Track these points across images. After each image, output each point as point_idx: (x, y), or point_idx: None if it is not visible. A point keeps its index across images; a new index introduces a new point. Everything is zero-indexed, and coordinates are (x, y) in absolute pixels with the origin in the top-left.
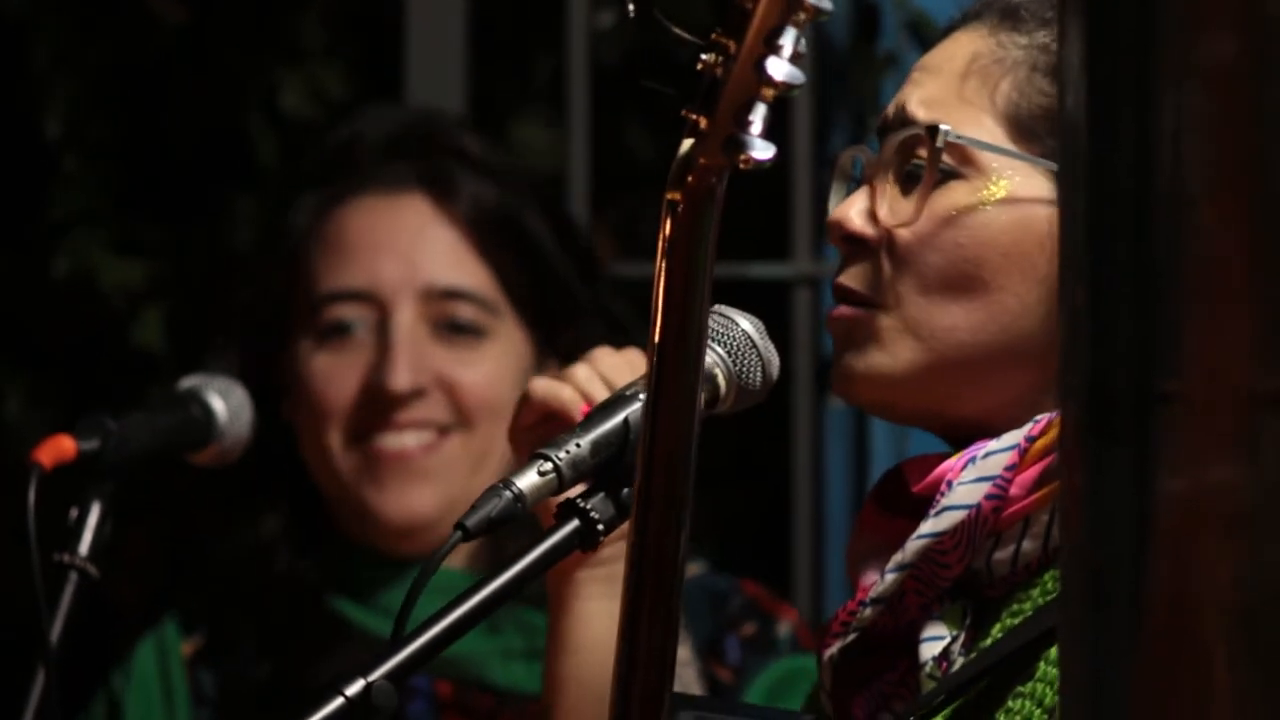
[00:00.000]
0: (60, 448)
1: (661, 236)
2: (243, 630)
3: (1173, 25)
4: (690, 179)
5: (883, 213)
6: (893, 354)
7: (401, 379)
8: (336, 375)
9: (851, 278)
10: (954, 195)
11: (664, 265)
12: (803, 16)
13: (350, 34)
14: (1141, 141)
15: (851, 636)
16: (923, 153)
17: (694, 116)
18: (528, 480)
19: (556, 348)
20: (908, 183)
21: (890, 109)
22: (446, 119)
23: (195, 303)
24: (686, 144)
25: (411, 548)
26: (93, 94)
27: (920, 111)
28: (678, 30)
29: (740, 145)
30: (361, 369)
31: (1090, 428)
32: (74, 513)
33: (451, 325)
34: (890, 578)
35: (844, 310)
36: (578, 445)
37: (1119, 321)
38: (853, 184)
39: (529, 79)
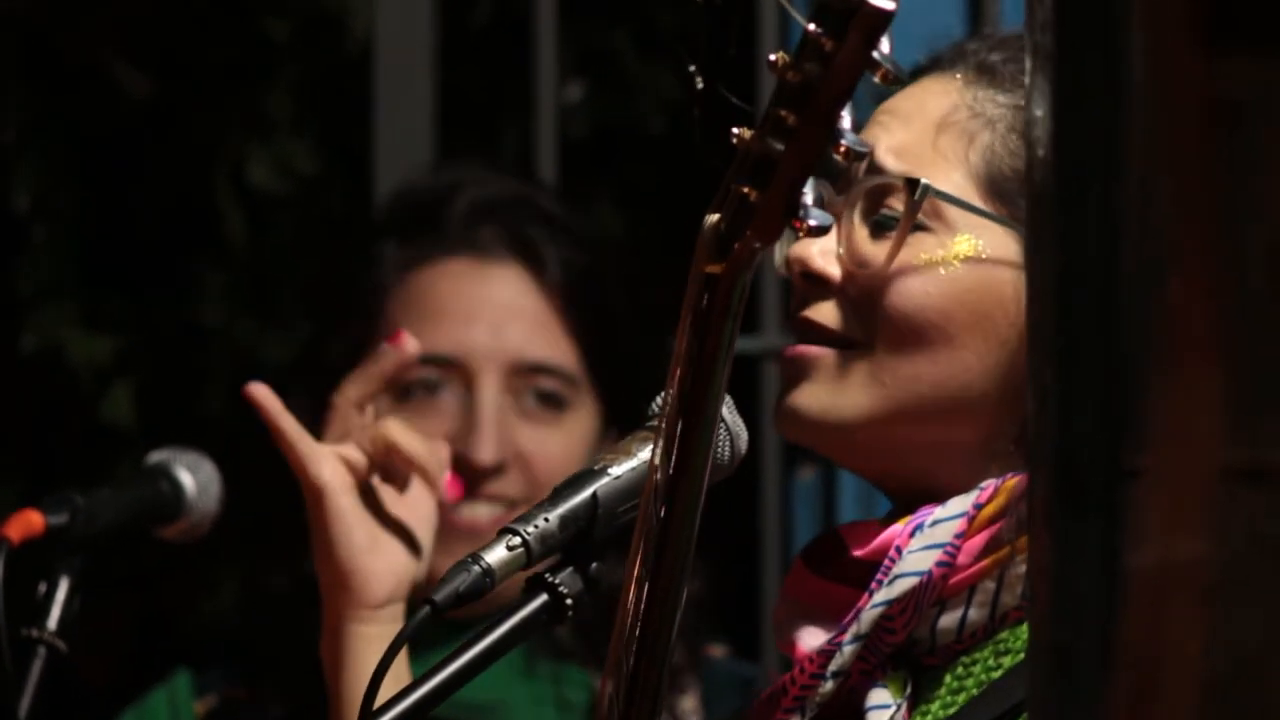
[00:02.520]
0: (28, 523)
1: (691, 307)
2: (268, 693)
3: (1139, 100)
4: (736, 248)
5: (849, 256)
6: (851, 397)
7: (487, 453)
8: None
9: (819, 313)
10: (922, 247)
11: (692, 335)
12: (876, 80)
13: (318, 107)
14: (1108, 215)
15: (811, 714)
16: (894, 203)
17: (741, 189)
18: (496, 555)
19: (620, 419)
20: (876, 229)
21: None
22: (538, 187)
23: (164, 377)
24: (714, 217)
25: (469, 612)
26: (60, 167)
27: (890, 159)
28: (740, 104)
29: (800, 212)
30: (442, 433)
31: (1059, 502)
32: (42, 588)
33: (534, 398)
34: (849, 650)
35: (807, 348)
36: (546, 520)
37: (1087, 396)
38: None
39: (497, 151)
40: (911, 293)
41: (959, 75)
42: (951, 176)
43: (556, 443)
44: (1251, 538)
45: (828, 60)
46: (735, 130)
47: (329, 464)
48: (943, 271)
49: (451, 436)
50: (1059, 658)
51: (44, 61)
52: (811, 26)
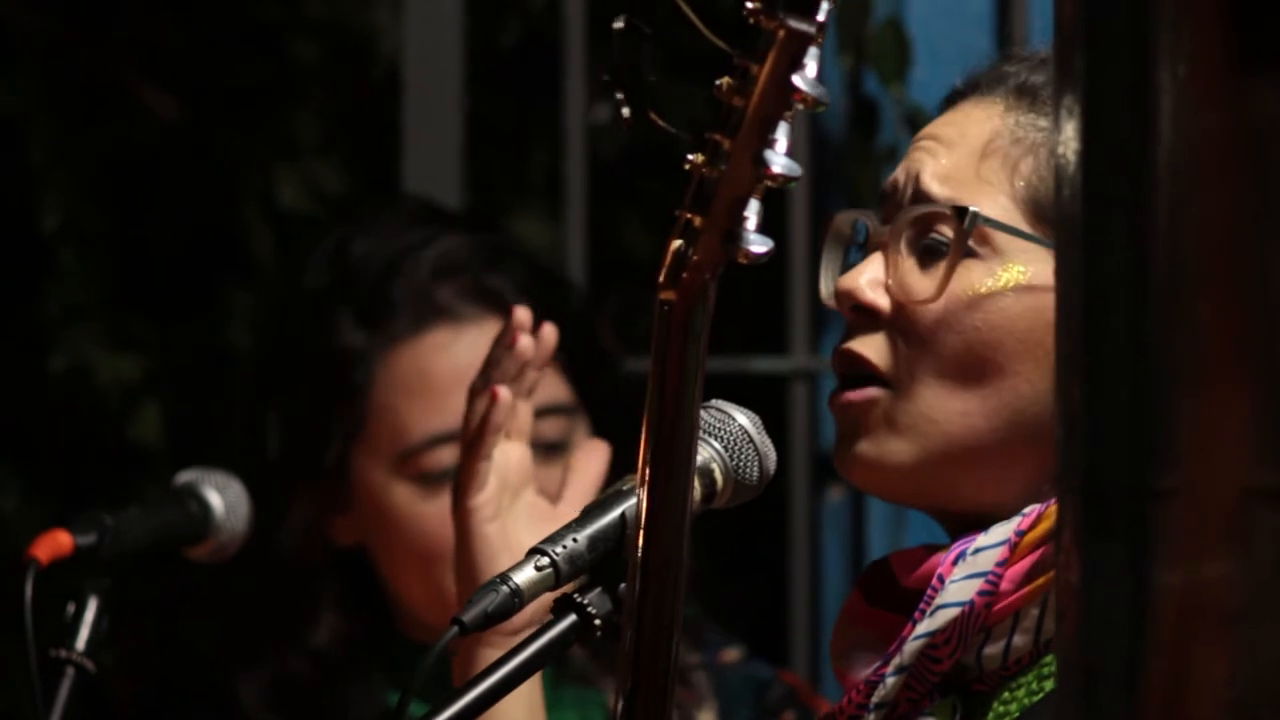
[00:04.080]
0: (57, 543)
1: (654, 336)
2: None
3: (1168, 123)
4: (684, 276)
5: (898, 287)
6: (907, 441)
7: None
8: (449, 523)
9: (865, 346)
10: (972, 276)
11: (656, 364)
12: (800, 108)
13: (347, 129)
14: (1136, 238)
15: None
16: (943, 230)
17: (686, 215)
18: (525, 575)
19: (620, 439)
20: (924, 257)
21: (899, 177)
22: (464, 229)
23: (191, 398)
24: (675, 244)
25: None
26: (88, 189)
27: (935, 186)
28: (670, 129)
29: (738, 239)
30: None
31: (1086, 523)
32: (70, 608)
33: (542, 445)
34: (891, 681)
35: (855, 395)
36: (574, 540)
37: (1114, 418)
38: (853, 249)
39: (526, 173)
40: (962, 325)
41: (999, 100)
42: (998, 201)
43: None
44: (1278, 559)
45: (753, 85)
46: (689, 156)
47: (486, 489)
48: (993, 301)
49: None
50: (1086, 678)
51: (72, 84)
52: (737, 51)
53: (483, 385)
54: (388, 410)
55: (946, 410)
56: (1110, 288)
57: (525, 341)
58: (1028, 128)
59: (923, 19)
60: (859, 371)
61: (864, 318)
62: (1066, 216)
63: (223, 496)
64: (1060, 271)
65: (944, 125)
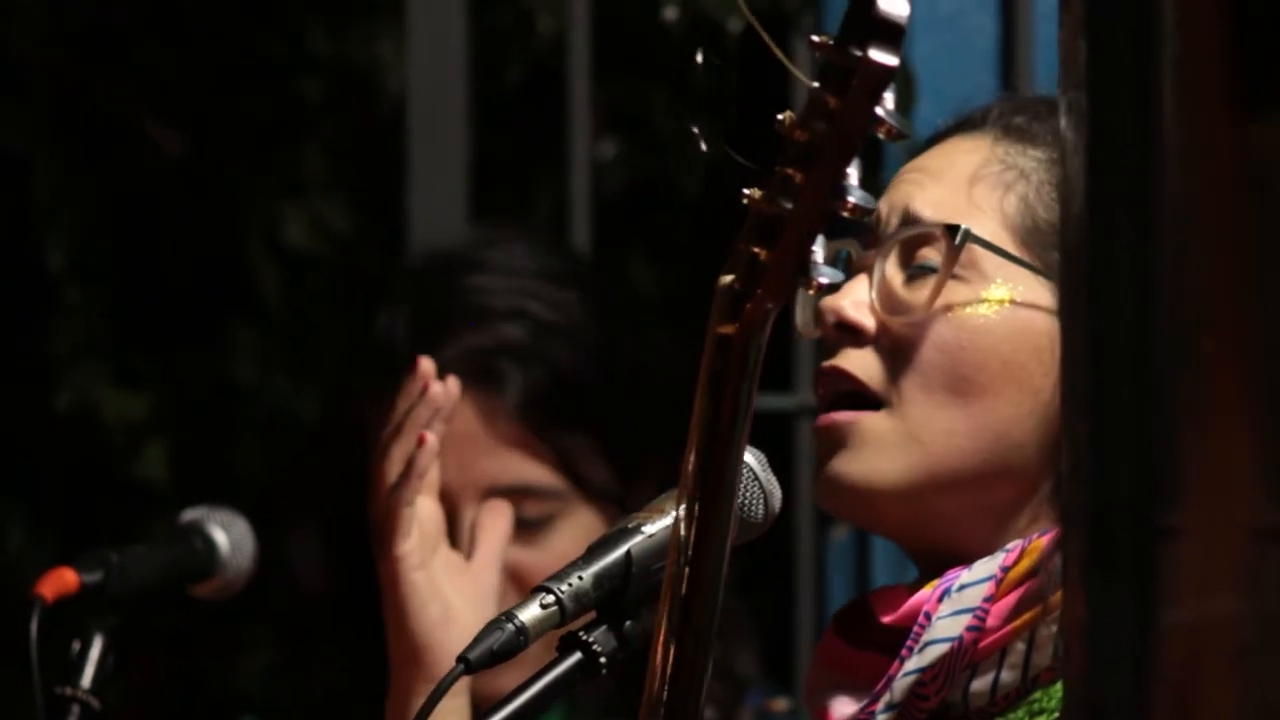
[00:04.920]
0: (62, 580)
1: (706, 369)
2: None
3: (1173, 163)
4: (748, 309)
5: (884, 305)
6: (891, 460)
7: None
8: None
9: (850, 363)
10: (958, 296)
11: (709, 399)
12: (881, 137)
13: (352, 165)
14: (1142, 274)
15: None
16: (930, 252)
17: (751, 249)
18: (530, 613)
19: (634, 504)
20: (910, 279)
21: (883, 208)
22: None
23: (197, 435)
24: (727, 279)
25: None
26: (94, 226)
27: (926, 211)
28: (747, 162)
29: (809, 271)
30: None
31: (1092, 560)
32: (76, 645)
33: (519, 522)
34: (883, 718)
35: (841, 415)
36: (580, 578)
37: (1120, 455)
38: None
39: (531, 209)
40: (946, 343)
41: (987, 134)
42: (987, 225)
43: (549, 556)
44: None
45: (832, 117)
46: (745, 190)
47: (411, 537)
48: (978, 321)
49: None
50: (1093, 716)
51: (77, 121)
52: (815, 84)
53: (394, 436)
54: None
55: (932, 429)
56: (1115, 326)
57: (438, 389)
58: (1017, 156)
59: (927, 57)
60: (844, 390)
61: (847, 337)
62: (1072, 251)
63: (228, 534)
64: (1065, 309)
65: (931, 159)
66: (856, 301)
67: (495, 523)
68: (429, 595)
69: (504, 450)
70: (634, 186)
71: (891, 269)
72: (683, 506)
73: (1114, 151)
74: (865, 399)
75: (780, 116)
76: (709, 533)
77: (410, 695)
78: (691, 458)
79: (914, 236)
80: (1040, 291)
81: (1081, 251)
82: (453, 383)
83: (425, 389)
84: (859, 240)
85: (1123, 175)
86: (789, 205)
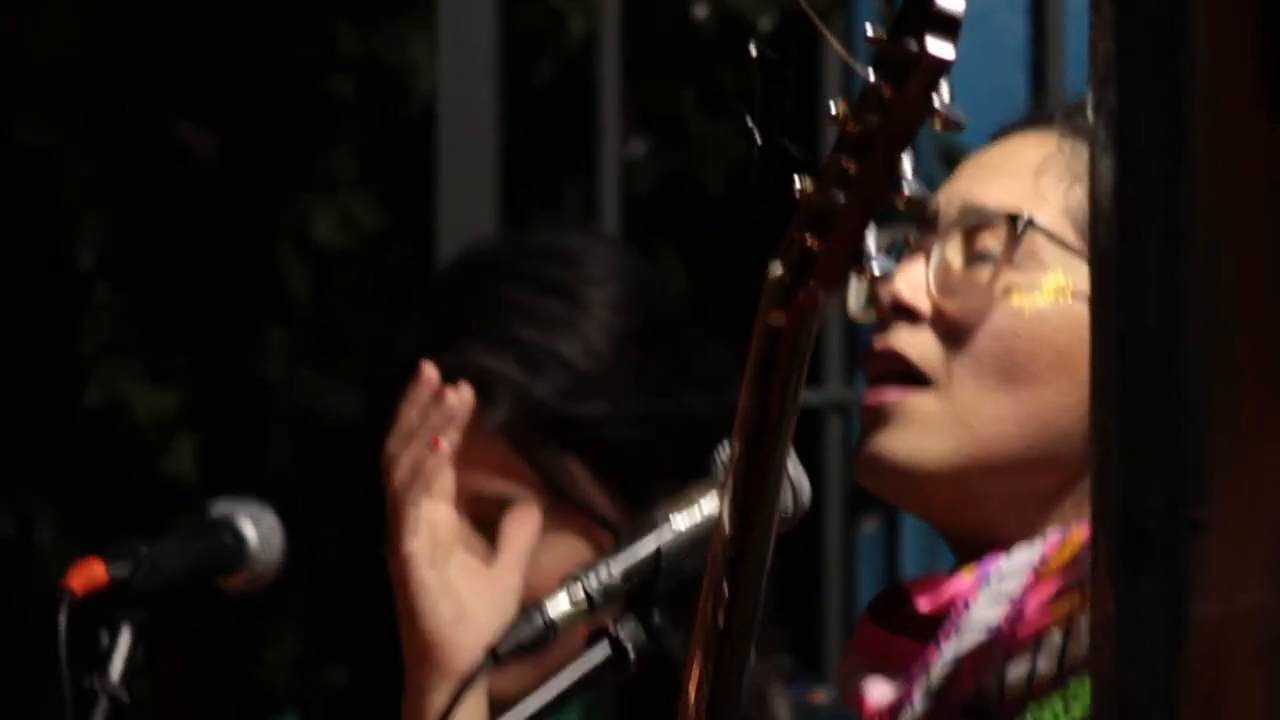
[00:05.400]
0: (92, 574)
1: (756, 359)
2: None
3: (1202, 165)
4: (800, 298)
5: (939, 288)
6: (937, 440)
7: None
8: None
9: (902, 341)
10: (1014, 284)
11: (757, 389)
12: (937, 128)
13: (381, 164)
14: (1170, 272)
15: None
16: (989, 240)
17: (803, 238)
18: (559, 606)
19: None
20: (968, 265)
21: (942, 200)
22: (488, 318)
23: (226, 432)
24: (778, 269)
25: None
26: (124, 225)
27: (991, 201)
28: (801, 156)
29: (863, 260)
30: None
31: (1122, 555)
32: (105, 638)
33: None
34: (919, 704)
35: (889, 394)
36: (610, 572)
37: (1149, 450)
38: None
39: (560, 207)
40: (1001, 329)
41: (1053, 132)
42: (1051, 213)
43: (538, 576)
44: None
45: (888, 109)
46: (797, 181)
47: (419, 536)
48: (1034, 309)
49: None
50: (1123, 710)
51: (108, 120)
52: (872, 76)
53: (402, 442)
54: None
55: (980, 413)
56: (1145, 323)
57: (453, 397)
58: (1082, 154)
59: (958, 55)
60: (896, 369)
61: (902, 318)
62: (1102, 249)
63: (257, 528)
64: (1095, 307)
65: (994, 153)
66: (913, 284)
67: (521, 527)
68: (440, 593)
69: (488, 462)
70: (663, 185)
71: (951, 253)
72: (727, 499)
73: (1143, 151)
74: (915, 379)
75: (833, 108)
76: (753, 527)
77: (425, 693)
78: (737, 450)
79: (975, 224)
80: None
81: (1111, 249)
82: (465, 391)
83: (438, 396)
84: (916, 228)
85: (1152, 174)
86: (842, 196)
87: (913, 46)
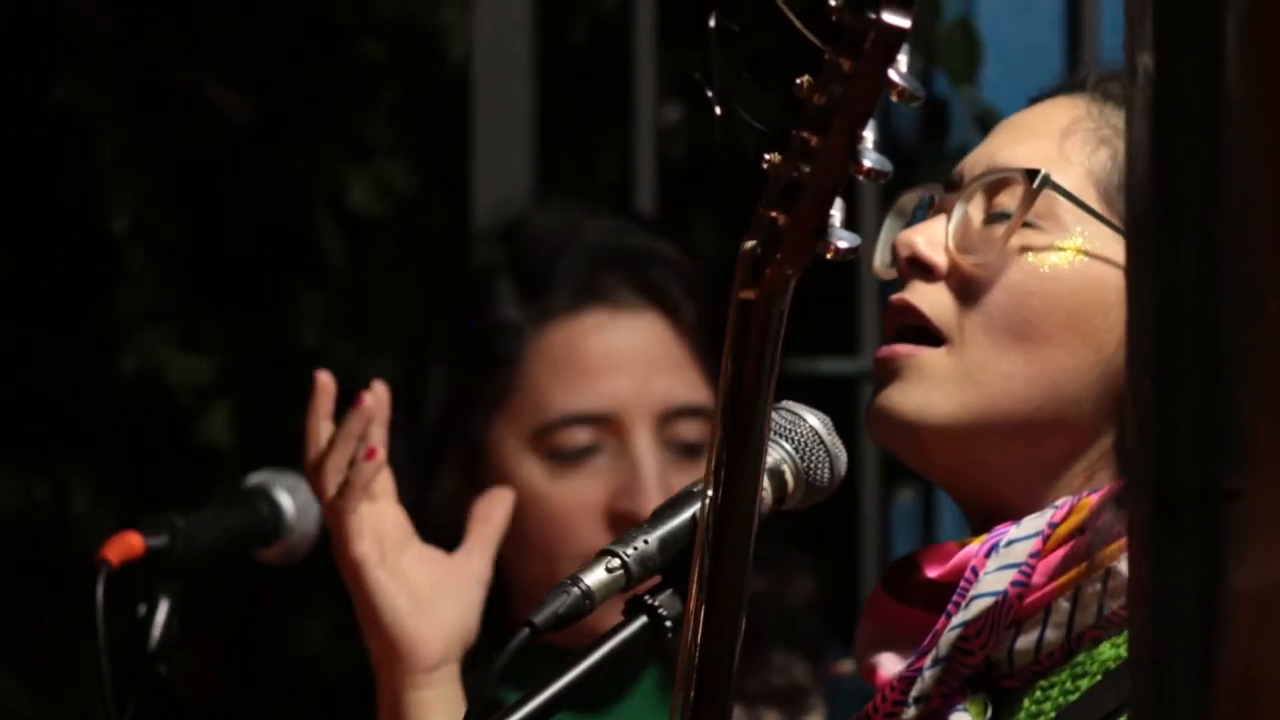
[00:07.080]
0: (128, 544)
1: (730, 334)
2: None
3: (1239, 124)
4: (767, 273)
5: (957, 244)
6: (945, 395)
7: (652, 506)
8: (581, 499)
9: (918, 297)
10: (1031, 242)
11: (733, 364)
12: (894, 99)
13: (416, 129)
14: (1207, 238)
15: None
16: (1007, 197)
17: (769, 213)
18: (595, 577)
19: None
20: (988, 222)
21: (968, 161)
22: (644, 228)
23: (262, 399)
24: (749, 243)
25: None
26: (159, 191)
27: (1016, 161)
28: (761, 127)
29: (826, 235)
30: (605, 493)
31: (1157, 523)
32: (142, 609)
33: (679, 447)
34: (929, 674)
35: (901, 348)
36: (645, 542)
37: (1186, 417)
38: (914, 222)
39: (595, 174)
40: (1014, 286)
41: (1084, 97)
42: (1072, 176)
43: None
44: None
45: (846, 80)
46: (765, 156)
47: (364, 539)
48: (1049, 268)
49: (614, 493)
50: (1158, 678)
51: (142, 85)
52: (828, 48)
53: (324, 454)
54: (533, 384)
55: (989, 370)
56: (1181, 288)
57: (368, 399)
58: (1112, 116)
59: (993, 18)
60: (910, 324)
61: (919, 272)
62: (1138, 214)
63: (294, 498)
64: (1131, 272)
65: (1025, 116)
66: (931, 239)
67: (491, 511)
68: (394, 589)
69: (678, 371)
70: (699, 150)
71: (974, 210)
72: (709, 473)
73: (1180, 114)
74: (929, 335)
75: (799, 81)
76: (735, 498)
77: (397, 694)
78: (717, 423)
79: (996, 181)
80: (1116, 248)
81: (1147, 211)
82: (380, 389)
83: (356, 402)
84: (944, 188)
85: (1189, 137)
86: (806, 169)
87: (870, 16)
